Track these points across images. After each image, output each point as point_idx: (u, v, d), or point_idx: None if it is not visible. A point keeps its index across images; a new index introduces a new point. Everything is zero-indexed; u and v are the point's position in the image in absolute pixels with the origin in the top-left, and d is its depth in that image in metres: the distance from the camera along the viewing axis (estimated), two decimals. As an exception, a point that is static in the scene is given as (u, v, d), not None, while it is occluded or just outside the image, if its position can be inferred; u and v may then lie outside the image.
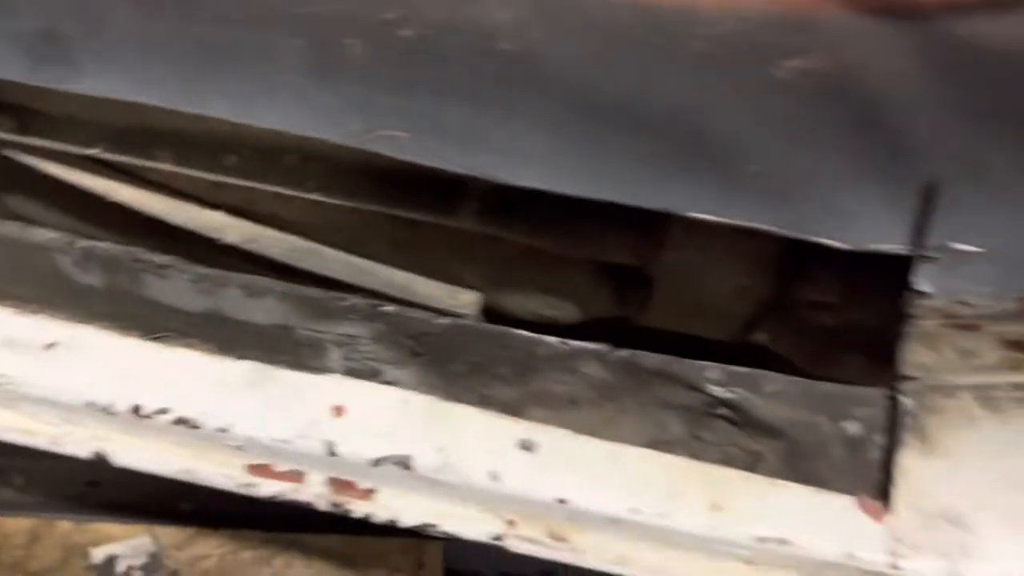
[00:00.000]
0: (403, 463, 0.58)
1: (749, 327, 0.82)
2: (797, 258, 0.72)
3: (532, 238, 0.76)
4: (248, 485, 0.60)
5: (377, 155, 0.62)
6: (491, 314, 0.87)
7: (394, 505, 0.60)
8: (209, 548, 1.19)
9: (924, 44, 0.54)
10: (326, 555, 1.33)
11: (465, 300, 0.81)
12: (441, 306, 0.80)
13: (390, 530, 1.47)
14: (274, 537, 1.22)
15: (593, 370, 0.63)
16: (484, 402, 0.64)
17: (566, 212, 0.73)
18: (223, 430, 0.59)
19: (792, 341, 0.83)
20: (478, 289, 0.82)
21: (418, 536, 1.47)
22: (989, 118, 0.54)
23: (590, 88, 0.57)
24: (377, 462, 0.58)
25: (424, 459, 0.58)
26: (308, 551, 1.32)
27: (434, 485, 0.58)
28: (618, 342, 0.64)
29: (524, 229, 0.75)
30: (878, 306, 0.66)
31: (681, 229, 0.70)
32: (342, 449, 0.59)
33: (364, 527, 1.47)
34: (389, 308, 0.63)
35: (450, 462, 0.58)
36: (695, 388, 0.61)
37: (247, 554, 1.21)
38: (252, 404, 0.60)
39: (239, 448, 0.60)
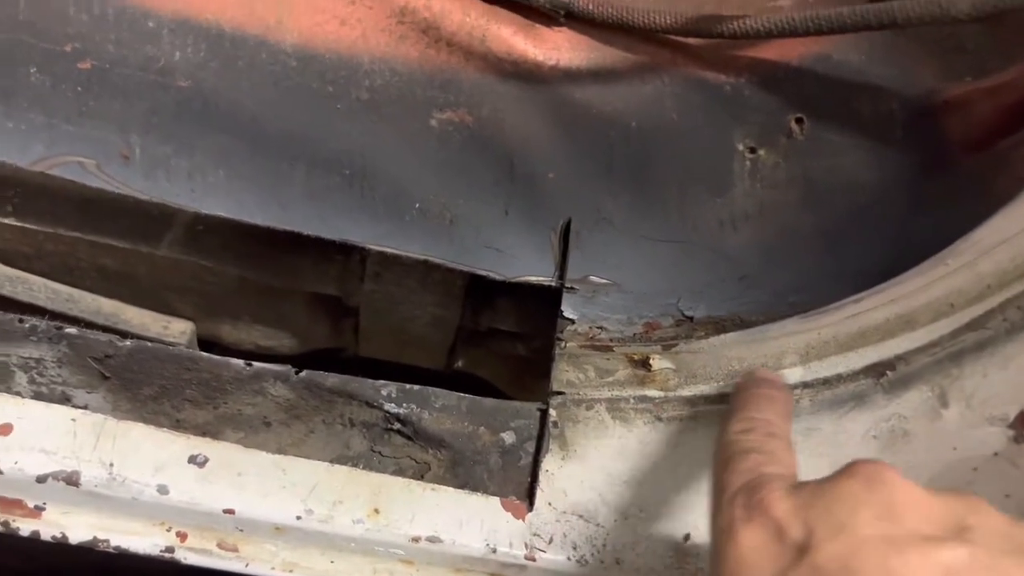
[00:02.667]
0: (70, 479, 0.59)
1: (452, 355, 0.89)
2: (482, 291, 0.80)
3: (238, 268, 0.79)
4: (-99, 508, 0.59)
5: (77, 182, 0.64)
6: (211, 345, 0.89)
7: (62, 522, 0.61)
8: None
9: (549, 106, 0.63)
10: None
11: (176, 329, 0.83)
12: (151, 335, 0.82)
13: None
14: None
15: (279, 391, 0.67)
16: (179, 426, 0.66)
17: (271, 243, 0.78)
18: None
19: (492, 368, 0.91)
20: (192, 319, 0.85)
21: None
22: (605, 172, 0.65)
23: (261, 127, 0.62)
24: (42, 479, 0.59)
25: (91, 474, 0.59)
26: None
27: (102, 500, 0.60)
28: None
29: (230, 259, 0.79)
30: (552, 335, 0.75)
31: (377, 262, 0.77)
32: (6, 467, 0.59)
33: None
34: (71, 330, 0.64)
35: (117, 477, 0.59)
36: (373, 405, 0.66)
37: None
38: (-93, 423, 0.59)
39: None
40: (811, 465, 0.61)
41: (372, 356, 0.90)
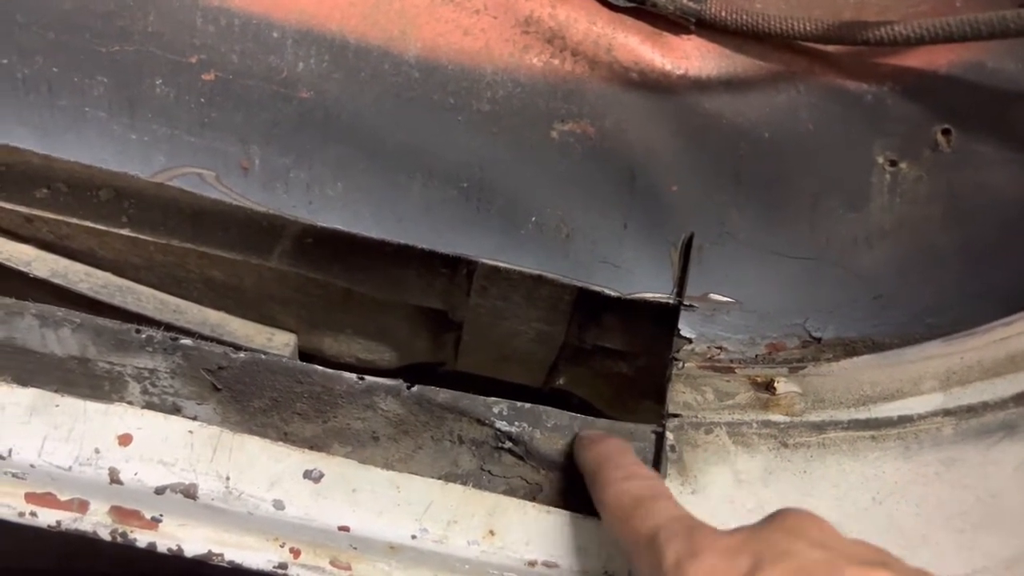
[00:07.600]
0: (187, 492, 0.59)
1: (552, 372, 0.87)
2: (590, 307, 0.78)
3: (346, 281, 0.79)
4: (26, 514, 0.59)
5: (191, 193, 0.64)
6: (311, 357, 0.89)
7: (178, 534, 0.60)
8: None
9: (675, 116, 0.61)
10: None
11: (280, 341, 0.83)
12: (255, 346, 0.82)
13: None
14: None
15: (390, 406, 0.65)
16: (287, 439, 0.66)
17: (379, 256, 0.77)
18: (1, 458, 0.58)
19: (591, 387, 0.89)
20: (294, 331, 0.84)
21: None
22: (732, 184, 0.62)
23: (381, 139, 0.61)
24: (161, 490, 0.58)
25: (208, 487, 0.59)
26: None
27: (219, 514, 0.59)
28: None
29: (338, 272, 0.78)
30: (661, 354, 0.72)
31: (484, 276, 0.75)
32: (126, 477, 0.59)
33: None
34: (187, 341, 0.64)
35: (234, 491, 0.59)
36: (484, 423, 0.65)
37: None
38: (33, 431, 0.59)
39: (18, 476, 0.59)
40: (955, 497, 0.57)
41: (470, 371, 0.88)
